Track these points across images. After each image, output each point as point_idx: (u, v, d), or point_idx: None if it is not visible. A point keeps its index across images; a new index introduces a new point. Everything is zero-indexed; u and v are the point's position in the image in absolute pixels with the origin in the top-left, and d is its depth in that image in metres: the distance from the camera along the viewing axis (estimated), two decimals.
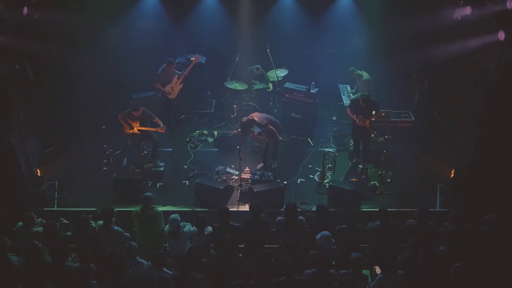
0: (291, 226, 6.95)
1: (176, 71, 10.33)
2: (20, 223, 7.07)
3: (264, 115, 9.10)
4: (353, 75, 10.43)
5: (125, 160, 9.79)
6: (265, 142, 9.33)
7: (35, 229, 6.97)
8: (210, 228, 6.95)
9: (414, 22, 10.04)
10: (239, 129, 8.77)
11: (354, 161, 9.61)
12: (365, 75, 10.32)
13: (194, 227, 6.99)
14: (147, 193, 7.32)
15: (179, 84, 10.27)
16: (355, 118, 9.10)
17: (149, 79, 10.69)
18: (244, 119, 8.81)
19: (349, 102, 9.68)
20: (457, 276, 5.75)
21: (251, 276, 5.78)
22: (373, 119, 9.14)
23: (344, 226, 6.90)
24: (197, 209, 8.34)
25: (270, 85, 11.04)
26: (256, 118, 8.84)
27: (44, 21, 8.93)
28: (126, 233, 7.00)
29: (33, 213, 7.11)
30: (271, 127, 8.86)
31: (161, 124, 9.10)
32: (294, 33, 11.52)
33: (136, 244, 6.45)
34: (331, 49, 11.75)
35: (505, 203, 7.54)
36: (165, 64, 10.07)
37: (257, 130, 9.09)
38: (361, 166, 9.49)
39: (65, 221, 7.43)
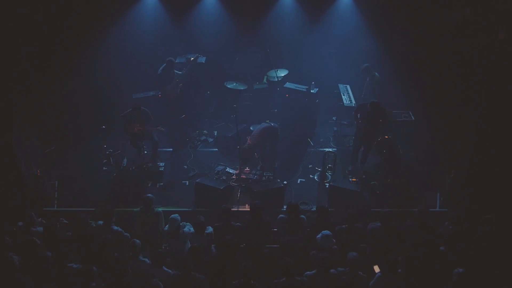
0: (293, 224, 6.95)
1: (176, 71, 10.35)
2: (20, 223, 7.06)
3: (257, 134, 9.07)
4: (368, 71, 10.18)
5: (125, 160, 9.78)
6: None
7: (34, 229, 6.96)
8: (210, 229, 6.95)
9: (415, 21, 10.05)
10: (240, 158, 8.89)
11: (350, 168, 9.54)
12: (377, 75, 10.27)
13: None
14: (148, 194, 7.32)
15: (180, 83, 10.28)
16: (359, 122, 9.03)
17: (149, 79, 10.70)
18: (246, 147, 8.87)
19: (356, 106, 9.63)
20: (460, 280, 5.75)
21: (252, 276, 5.77)
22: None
23: (344, 226, 6.89)
24: (197, 209, 8.35)
25: (265, 78, 11.16)
26: (252, 142, 8.92)
27: (44, 21, 8.92)
28: (126, 233, 7.00)
29: (33, 213, 7.11)
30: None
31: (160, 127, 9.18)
32: (294, 33, 11.51)
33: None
34: (331, 49, 11.73)
35: (505, 203, 7.54)
36: (165, 64, 10.07)
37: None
38: (350, 169, 9.51)
39: (65, 221, 7.42)
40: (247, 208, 8.41)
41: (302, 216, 7.07)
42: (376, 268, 6.28)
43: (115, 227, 6.93)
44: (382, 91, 10.14)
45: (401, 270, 5.92)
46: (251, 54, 11.47)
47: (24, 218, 7.01)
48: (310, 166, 9.71)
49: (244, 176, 9.20)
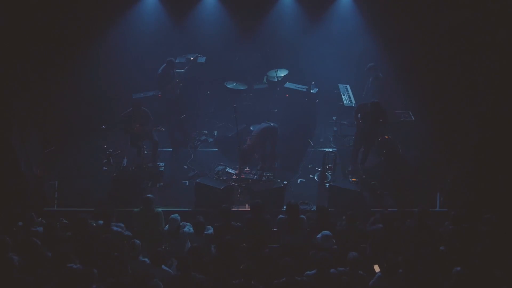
0: (293, 224, 6.94)
1: (178, 70, 10.37)
2: (20, 223, 7.05)
3: (257, 134, 9.06)
4: (372, 71, 10.19)
5: (125, 160, 9.78)
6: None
7: (34, 229, 6.94)
8: (211, 230, 6.94)
9: (415, 21, 10.04)
10: (240, 158, 8.88)
11: (350, 169, 9.56)
12: (381, 75, 10.27)
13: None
14: (148, 195, 7.31)
15: (180, 83, 10.30)
16: (359, 122, 9.03)
17: (149, 79, 10.70)
18: (245, 148, 8.86)
19: (356, 106, 9.63)
20: (459, 279, 5.74)
21: (252, 276, 5.77)
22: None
23: (344, 226, 6.88)
24: (197, 209, 8.34)
25: (265, 78, 11.17)
26: (252, 142, 8.93)
27: (44, 21, 8.93)
28: (126, 232, 6.99)
29: (33, 213, 7.09)
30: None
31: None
32: (294, 33, 11.52)
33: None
34: (331, 49, 11.73)
35: (505, 203, 7.54)
36: (165, 64, 10.07)
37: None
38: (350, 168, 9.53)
39: (65, 221, 7.42)
40: (247, 208, 8.41)
41: (302, 216, 7.05)
42: (376, 268, 6.28)
43: (115, 228, 6.93)
44: (383, 92, 10.13)
45: (401, 270, 5.91)
46: (251, 54, 11.45)
47: (24, 218, 7.00)
48: (310, 166, 9.71)
49: (244, 176, 9.19)
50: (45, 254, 6.26)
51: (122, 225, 7.06)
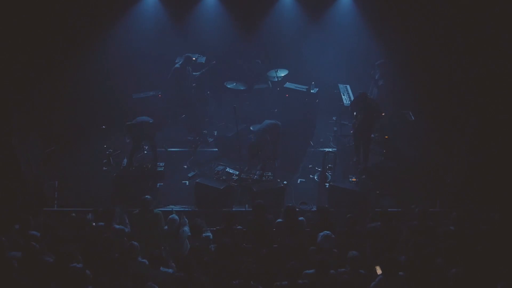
0: (291, 228, 6.92)
1: (194, 73, 10.40)
2: (17, 226, 6.98)
3: (264, 129, 9.07)
4: (383, 67, 10.20)
5: (125, 160, 9.78)
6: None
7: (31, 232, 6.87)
8: (208, 233, 6.93)
9: (415, 21, 10.04)
10: (248, 154, 8.88)
11: (355, 159, 9.59)
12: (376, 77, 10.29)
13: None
14: (146, 196, 7.29)
15: (193, 83, 10.34)
16: (354, 115, 9.09)
17: (149, 79, 10.69)
18: (254, 142, 8.87)
19: (350, 100, 9.68)
20: (457, 279, 5.74)
21: (252, 277, 5.75)
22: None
23: (344, 229, 6.86)
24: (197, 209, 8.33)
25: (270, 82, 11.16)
26: (259, 138, 8.94)
27: (44, 21, 8.93)
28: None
29: (31, 217, 7.02)
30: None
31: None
32: (294, 33, 11.52)
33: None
34: (331, 49, 11.73)
35: (505, 202, 7.54)
36: (183, 60, 10.08)
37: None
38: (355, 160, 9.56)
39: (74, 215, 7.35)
40: (246, 208, 8.41)
41: (301, 218, 7.00)
42: (378, 270, 6.26)
43: (116, 226, 6.91)
44: (389, 90, 10.15)
45: (402, 272, 5.90)
46: (251, 59, 11.40)
47: (21, 221, 6.93)
48: (310, 166, 9.71)
49: (244, 176, 9.18)
50: (44, 258, 6.20)
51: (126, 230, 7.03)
